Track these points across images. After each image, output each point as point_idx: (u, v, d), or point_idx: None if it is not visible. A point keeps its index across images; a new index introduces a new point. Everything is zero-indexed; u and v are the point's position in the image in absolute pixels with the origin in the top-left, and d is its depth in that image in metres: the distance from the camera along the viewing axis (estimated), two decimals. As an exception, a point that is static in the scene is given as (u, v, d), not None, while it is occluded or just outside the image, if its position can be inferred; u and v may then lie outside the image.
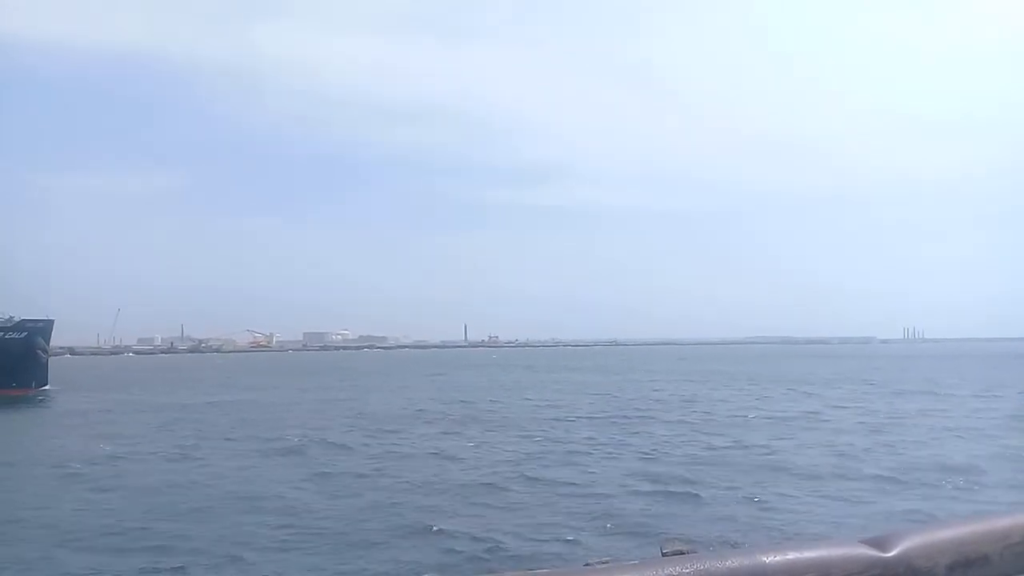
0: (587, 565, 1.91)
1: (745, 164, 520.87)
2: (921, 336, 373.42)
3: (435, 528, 15.46)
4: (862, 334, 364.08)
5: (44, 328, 58.04)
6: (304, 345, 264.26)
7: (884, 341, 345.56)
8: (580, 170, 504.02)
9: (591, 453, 25.28)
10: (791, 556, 2.06)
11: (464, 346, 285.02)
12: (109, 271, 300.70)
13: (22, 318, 56.51)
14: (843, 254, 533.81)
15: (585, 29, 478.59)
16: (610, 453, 25.44)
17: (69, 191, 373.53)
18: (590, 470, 22.09)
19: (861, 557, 2.13)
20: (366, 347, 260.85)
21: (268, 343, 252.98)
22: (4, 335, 54.69)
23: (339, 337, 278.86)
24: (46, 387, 58.10)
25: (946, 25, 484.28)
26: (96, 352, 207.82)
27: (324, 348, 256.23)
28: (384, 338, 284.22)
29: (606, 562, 1.94)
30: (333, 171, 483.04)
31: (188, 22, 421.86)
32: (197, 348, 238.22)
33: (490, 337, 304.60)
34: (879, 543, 2.19)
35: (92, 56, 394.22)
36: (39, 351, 57.19)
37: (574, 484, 19.89)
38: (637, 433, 30.45)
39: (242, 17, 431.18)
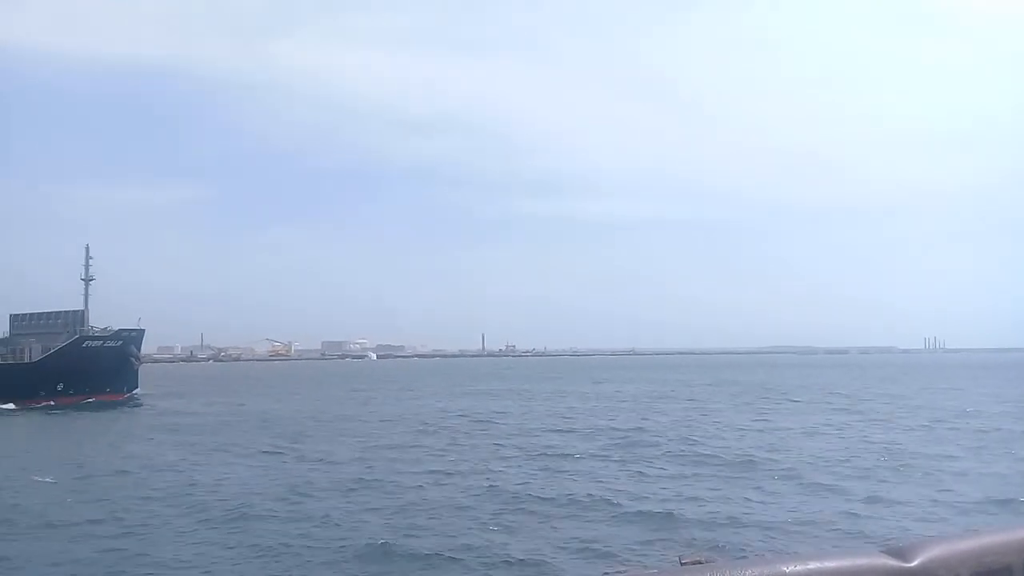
0: (605, 575, 3.14)
1: (764, 176, 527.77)
2: (942, 346, 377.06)
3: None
4: (883, 344, 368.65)
5: (136, 337, 63.85)
6: (323, 354, 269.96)
7: (905, 351, 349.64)
8: (598, 181, 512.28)
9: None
10: (811, 566, 2.13)
11: (482, 355, 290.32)
12: (130, 281, 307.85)
13: (118, 328, 62.21)
14: (864, 264, 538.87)
15: (602, 42, 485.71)
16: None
17: (92, 202, 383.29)
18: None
19: (882, 567, 2.21)
20: (361, 356, 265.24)
21: (287, 352, 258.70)
22: (103, 343, 60.37)
23: (357, 346, 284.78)
24: (136, 391, 63.77)
25: (957, 39, 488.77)
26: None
27: (343, 357, 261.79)
28: (402, 347, 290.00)
29: (623, 572, 2.86)
30: (352, 182, 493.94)
31: (210, 37, 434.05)
32: (217, 357, 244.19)
33: (507, 346, 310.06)
34: (900, 553, 2.28)
35: (116, 70, 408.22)
36: (132, 358, 62.86)
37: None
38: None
39: (263, 32, 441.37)
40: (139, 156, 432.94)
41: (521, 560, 14.30)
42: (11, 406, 52.32)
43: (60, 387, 58.13)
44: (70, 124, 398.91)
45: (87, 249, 63.71)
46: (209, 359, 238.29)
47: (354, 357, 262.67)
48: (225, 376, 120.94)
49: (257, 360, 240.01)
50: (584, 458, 27.04)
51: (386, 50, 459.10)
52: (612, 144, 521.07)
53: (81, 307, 62.40)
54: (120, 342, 61.76)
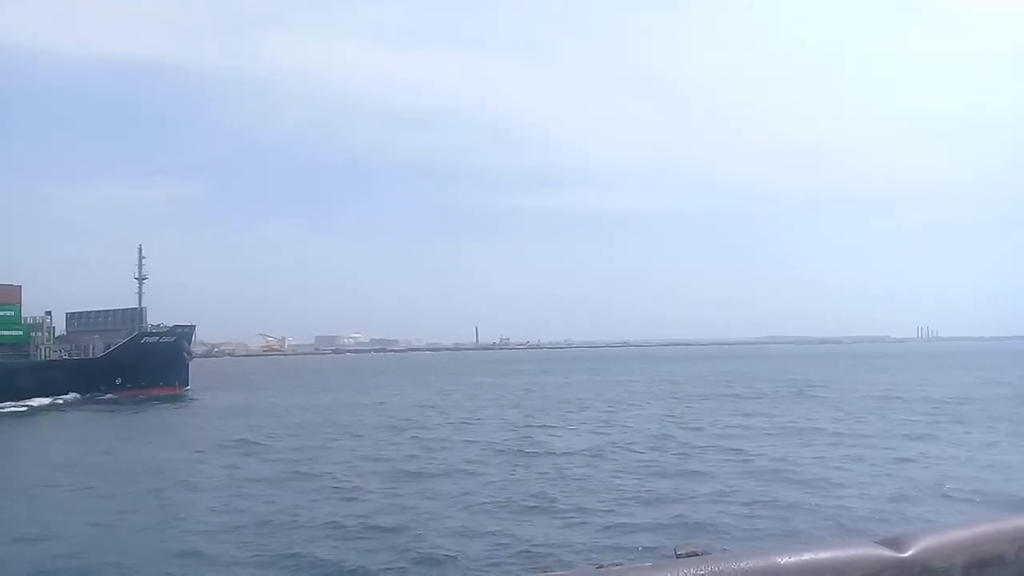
0: (600, 567, 2.08)
1: (760, 168, 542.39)
2: (935, 335, 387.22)
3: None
4: (876, 333, 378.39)
5: (188, 333, 69.91)
6: (316, 349, 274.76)
7: (899, 340, 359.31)
8: (592, 174, 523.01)
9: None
10: (806, 557, 2.19)
11: (476, 348, 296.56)
12: (123, 278, 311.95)
13: (173, 324, 68.07)
14: (857, 255, 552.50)
15: (599, 37, 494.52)
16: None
17: (85, 200, 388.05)
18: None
19: (876, 557, 2.26)
20: (356, 350, 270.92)
21: (280, 347, 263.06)
22: (159, 340, 66.22)
23: (351, 340, 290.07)
24: (188, 387, 69.58)
25: (955, 31, 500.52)
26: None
27: (336, 352, 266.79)
28: (396, 341, 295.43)
29: (619, 564, 2.10)
30: (345, 177, 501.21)
31: (203, 34, 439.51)
32: (210, 353, 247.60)
33: (501, 339, 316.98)
34: (894, 543, 2.34)
35: (111, 68, 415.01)
36: (185, 353, 68.77)
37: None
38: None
39: (256, 28, 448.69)
40: (132, 153, 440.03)
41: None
42: (60, 401, 57.02)
43: (118, 381, 63.81)
44: (64, 122, 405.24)
45: (140, 249, 69.23)
46: (202, 355, 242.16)
47: (339, 352, 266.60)
48: (233, 371, 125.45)
49: (251, 355, 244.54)
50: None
51: (381, 45, 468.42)
52: (608, 137, 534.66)
53: (135, 304, 68.11)
54: (174, 338, 67.63)
